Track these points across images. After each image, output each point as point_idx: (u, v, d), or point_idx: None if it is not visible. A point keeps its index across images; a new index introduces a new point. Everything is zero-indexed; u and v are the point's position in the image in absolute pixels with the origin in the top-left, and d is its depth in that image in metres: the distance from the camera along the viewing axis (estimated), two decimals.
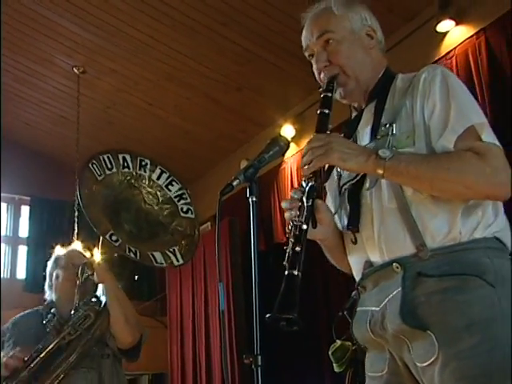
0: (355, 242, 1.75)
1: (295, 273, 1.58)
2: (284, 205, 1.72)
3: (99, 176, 2.85)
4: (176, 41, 6.23)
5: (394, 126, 1.68)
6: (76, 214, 7.26)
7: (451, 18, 5.16)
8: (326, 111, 1.76)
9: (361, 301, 1.76)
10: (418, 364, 1.56)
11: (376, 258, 1.69)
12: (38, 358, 2.74)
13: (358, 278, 1.80)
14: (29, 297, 8.47)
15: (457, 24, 5.17)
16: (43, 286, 7.15)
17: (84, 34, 6.41)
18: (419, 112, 1.67)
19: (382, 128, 1.71)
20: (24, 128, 8.45)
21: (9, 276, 9.00)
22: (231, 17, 5.80)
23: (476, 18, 5.05)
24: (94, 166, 2.86)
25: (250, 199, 1.65)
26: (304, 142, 1.79)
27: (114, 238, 2.73)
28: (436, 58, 5.27)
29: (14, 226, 9.25)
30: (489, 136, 1.61)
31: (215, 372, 7.36)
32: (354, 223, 1.73)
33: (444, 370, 1.50)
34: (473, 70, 4.87)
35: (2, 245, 9.06)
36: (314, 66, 1.87)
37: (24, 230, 9.16)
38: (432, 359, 1.52)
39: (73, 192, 7.41)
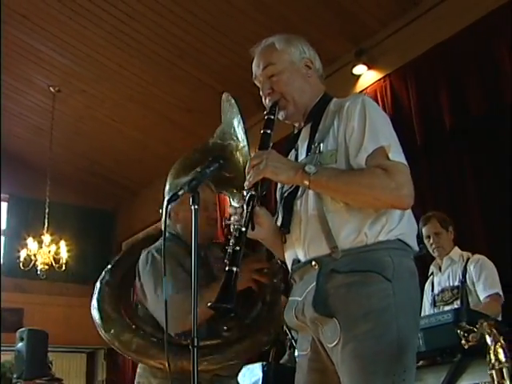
0: (285, 242, 1.73)
1: (234, 269, 1.54)
2: (230, 210, 1.68)
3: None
4: (138, 68, 6.18)
5: (322, 145, 1.66)
6: (47, 210, 7.07)
7: (364, 64, 5.29)
8: (268, 131, 1.71)
9: (292, 291, 1.74)
10: (328, 345, 1.56)
11: (301, 256, 1.66)
12: None
13: (290, 271, 1.77)
14: (4, 279, 8.25)
15: (368, 69, 5.31)
16: (17, 269, 6.95)
17: (60, 58, 6.29)
18: (342, 134, 1.64)
19: (312, 146, 1.69)
20: (5, 136, 8.17)
21: None
22: (186, 51, 5.79)
23: (383, 65, 5.20)
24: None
25: (192, 207, 1.60)
26: None
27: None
28: None
29: None
30: (395, 155, 1.58)
31: None
32: (285, 226, 1.70)
33: (344, 349, 1.50)
34: (380, 106, 5.01)
35: None
36: (261, 93, 1.83)
37: (2, 223, 8.88)
38: (336, 341, 1.52)
39: (44, 192, 7.24)
